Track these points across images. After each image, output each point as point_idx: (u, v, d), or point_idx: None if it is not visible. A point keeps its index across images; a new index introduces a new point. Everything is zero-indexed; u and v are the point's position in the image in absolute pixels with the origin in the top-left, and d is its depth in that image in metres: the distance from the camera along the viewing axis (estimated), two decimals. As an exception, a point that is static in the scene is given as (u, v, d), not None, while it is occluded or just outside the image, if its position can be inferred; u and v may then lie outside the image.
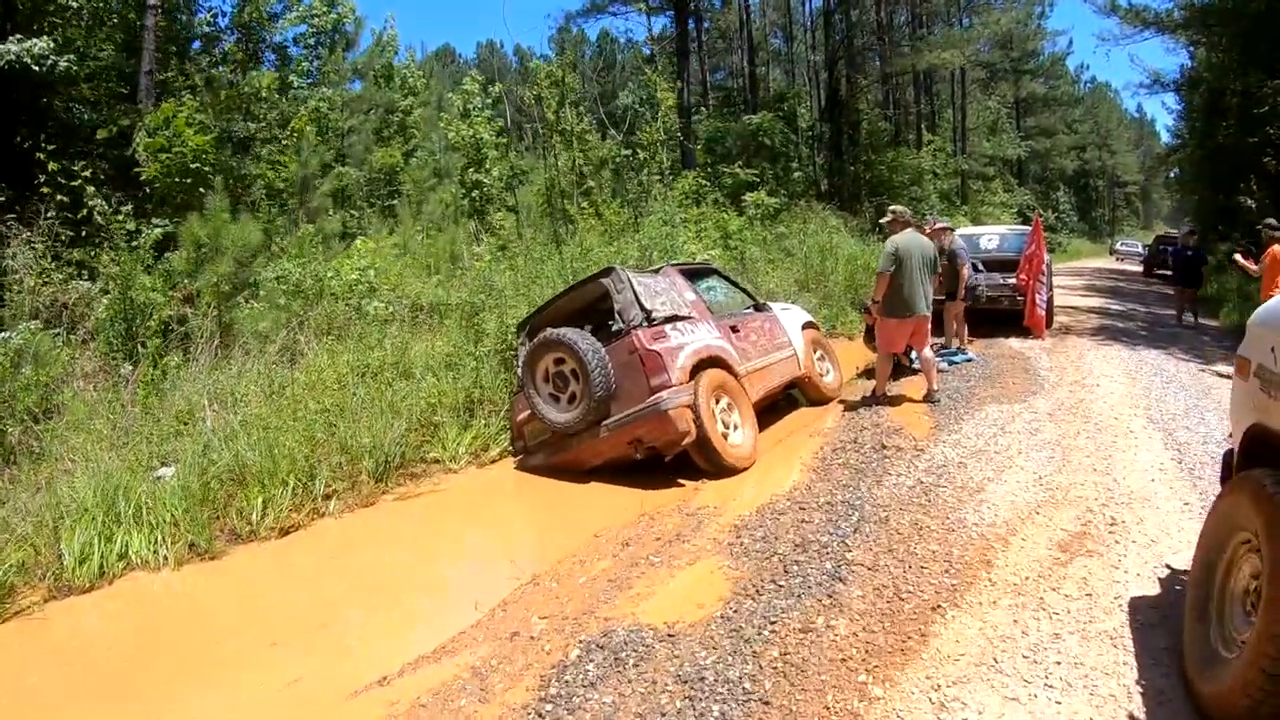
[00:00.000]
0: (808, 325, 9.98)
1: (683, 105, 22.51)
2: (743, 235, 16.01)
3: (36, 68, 10.13)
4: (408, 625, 5.30)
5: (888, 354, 9.31)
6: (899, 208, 9.53)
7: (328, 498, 7.28)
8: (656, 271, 8.44)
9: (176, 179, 9.97)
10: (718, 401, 7.58)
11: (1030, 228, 13.91)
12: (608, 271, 7.92)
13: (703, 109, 28.04)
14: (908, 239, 8.84)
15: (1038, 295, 12.90)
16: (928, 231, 11.27)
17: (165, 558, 6.18)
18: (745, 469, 7.44)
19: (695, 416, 7.14)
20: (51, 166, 9.34)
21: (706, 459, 7.28)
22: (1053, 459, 6.92)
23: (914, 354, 9.67)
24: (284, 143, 13.17)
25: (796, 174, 25.03)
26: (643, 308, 7.48)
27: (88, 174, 9.32)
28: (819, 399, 9.70)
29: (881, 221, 9.90)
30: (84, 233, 9.49)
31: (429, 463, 8.21)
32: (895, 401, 9.16)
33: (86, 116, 10.76)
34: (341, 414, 8.09)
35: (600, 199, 15.74)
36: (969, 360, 11.31)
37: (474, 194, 16.72)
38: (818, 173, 28.07)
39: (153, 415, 8.07)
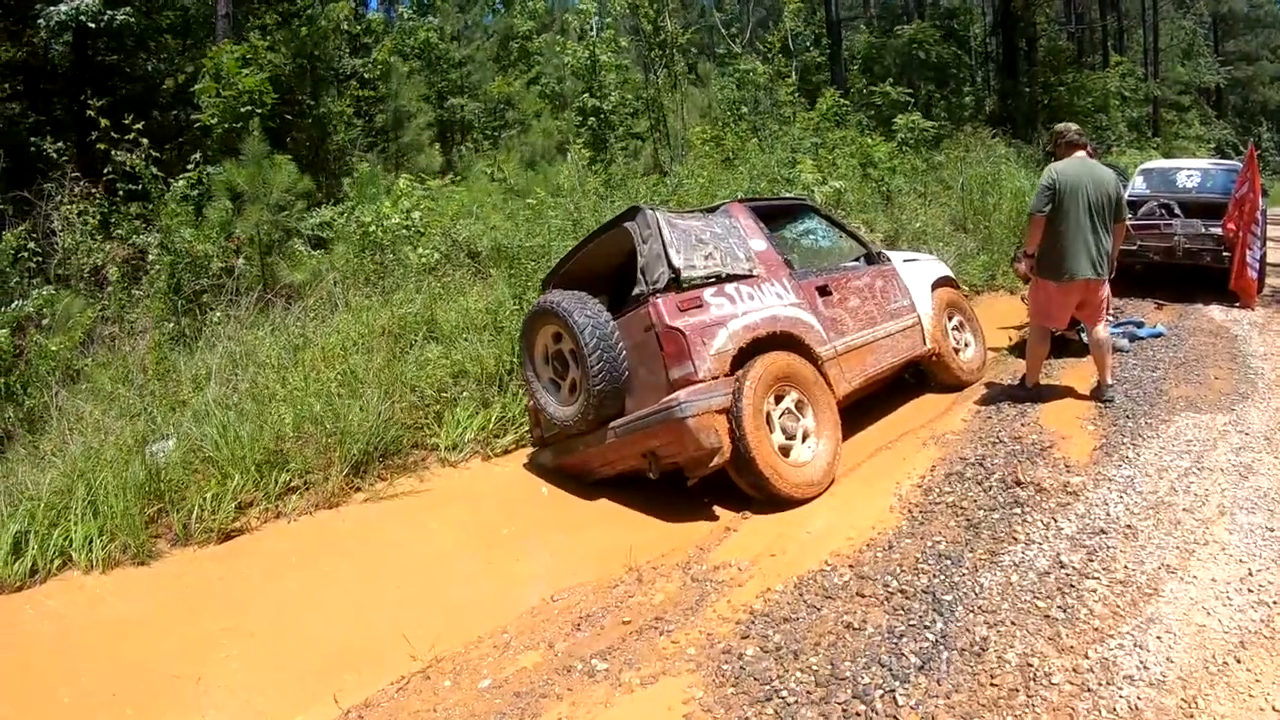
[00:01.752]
0: (942, 282, 6.85)
1: (831, 20, 18.32)
2: (891, 164, 12.30)
3: (93, 25, 8.86)
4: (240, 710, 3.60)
5: (1042, 329, 6.10)
6: (1066, 125, 6.19)
7: (291, 491, 5.37)
8: (712, 211, 5.63)
9: (227, 125, 8.33)
10: (779, 400, 4.93)
11: (1240, 163, 9.69)
12: (633, 212, 5.24)
13: (861, 26, 23.23)
14: (1075, 169, 5.66)
15: (1249, 251, 8.79)
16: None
17: (95, 559, 4.75)
18: (812, 498, 4.78)
19: (735, 426, 4.58)
20: (103, 123, 7.78)
21: (753, 484, 4.72)
22: (1275, 534, 3.86)
23: (1083, 330, 6.41)
24: (369, 76, 11.30)
25: (968, 97, 20.20)
26: (670, 264, 4.84)
27: (139, 126, 7.74)
28: (952, 383, 6.61)
29: (1049, 149, 6.58)
30: (142, 187, 7.99)
31: (428, 449, 6.00)
32: (1051, 396, 6.06)
33: (150, 67, 9.27)
34: (346, 385, 6.07)
35: (721, 122, 12.86)
36: (1157, 335, 7.76)
37: (590, 121, 13.57)
38: (990, 96, 22.43)
39: (171, 379, 6.43)
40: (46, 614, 4.42)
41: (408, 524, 5.19)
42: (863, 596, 3.71)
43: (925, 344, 6.29)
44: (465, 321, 6.86)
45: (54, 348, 6.58)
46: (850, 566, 4.00)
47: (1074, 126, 6.00)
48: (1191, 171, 10.88)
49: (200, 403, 6.01)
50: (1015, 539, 4.00)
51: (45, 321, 6.97)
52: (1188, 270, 9.58)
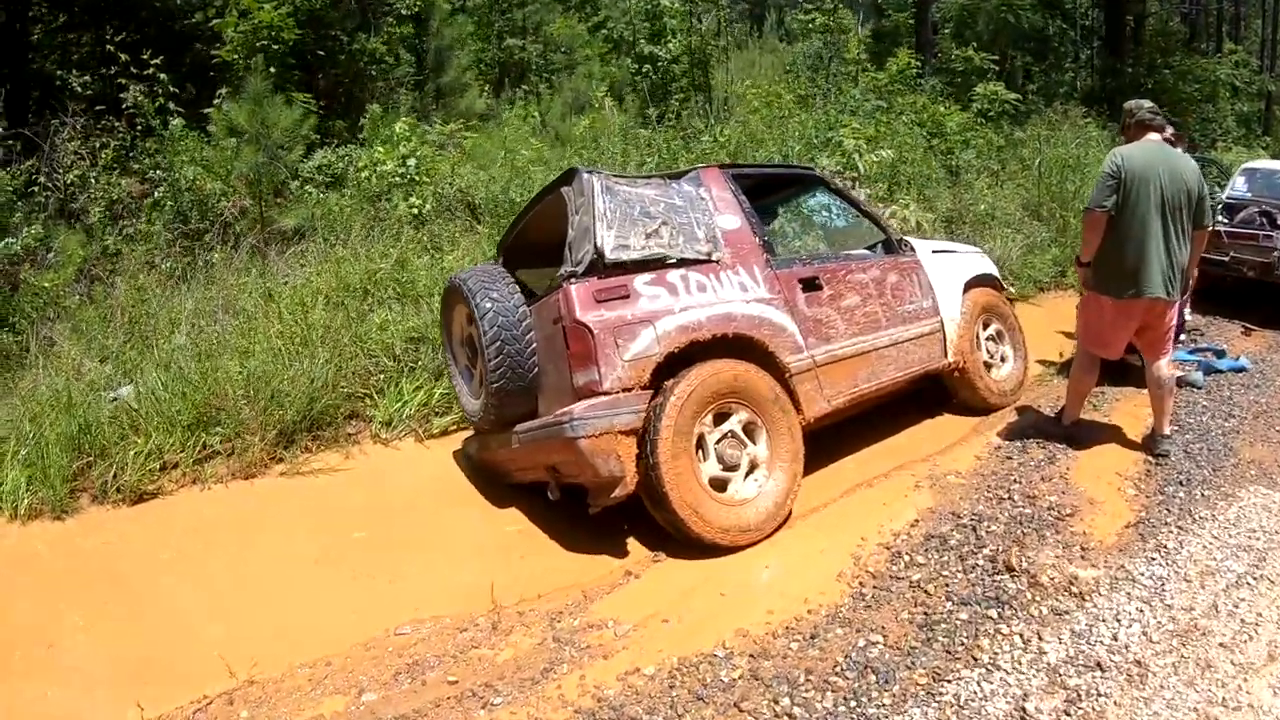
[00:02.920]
0: (979, 282, 5.23)
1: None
2: (963, 136, 10.16)
3: None
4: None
5: (1090, 356, 4.54)
6: (1138, 101, 4.50)
7: (212, 456, 4.49)
8: (678, 177, 4.21)
9: (243, 60, 7.49)
10: (720, 420, 3.67)
11: None
12: (569, 175, 4.00)
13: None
14: (1146, 155, 4.09)
15: None
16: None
17: (20, 507, 4.14)
18: (745, 546, 3.55)
19: (649, 451, 3.41)
20: (122, 57, 7.04)
21: (668, 523, 3.53)
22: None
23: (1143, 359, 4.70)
24: (407, 13, 10.15)
25: (1068, 73, 17.12)
26: (595, 244, 3.62)
27: (157, 61, 6.98)
28: (978, 405, 5.08)
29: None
30: (164, 122, 7.25)
31: (365, 420, 4.97)
32: (1091, 440, 4.49)
33: (179, 2, 8.51)
34: (302, 343, 5.14)
35: (776, 79, 11.08)
36: (1240, 370, 5.88)
37: (645, 69, 11.73)
38: (1091, 75, 18.47)
39: (148, 322, 5.74)
40: None
41: (300, 510, 4.25)
42: (740, 710, 2.56)
43: (947, 356, 4.79)
44: (439, 281, 5.78)
45: (45, 284, 6.01)
46: (751, 656, 2.83)
47: (1148, 103, 4.36)
48: None
49: (166, 349, 5.31)
50: (975, 659, 2.70)
51: (51, 256, 6.44)
52: None
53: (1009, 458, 4.35)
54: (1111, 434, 4.61)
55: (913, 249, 4.90)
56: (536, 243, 4.56)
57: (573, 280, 3.56)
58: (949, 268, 5.01)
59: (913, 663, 2.72)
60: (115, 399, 4.90)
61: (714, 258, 3.89)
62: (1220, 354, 6.21)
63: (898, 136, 8.81)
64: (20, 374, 5.35)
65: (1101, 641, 2.77)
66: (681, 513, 3.41)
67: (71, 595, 3.59)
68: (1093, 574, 3.17)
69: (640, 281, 3.63)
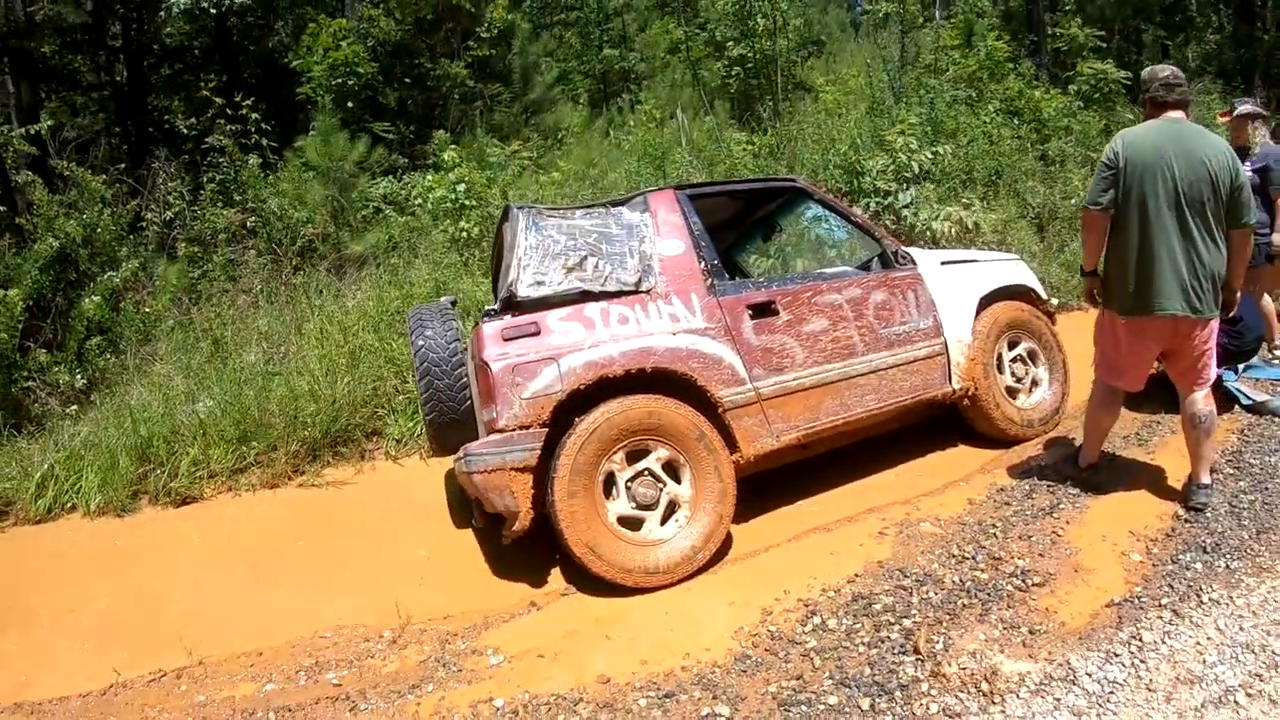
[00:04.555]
0: (1001, 295, 4.59)
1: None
2: (1062, 122, 8.90)
3: (214, 10, 8.69)
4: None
5: (1107, 388, 3.82)
6: (1155, 69, 3.64)
7: (249, 467, 4.93)
8: (622, 203, 3.99)
9: (318, 96, 7.92)
10: (635, 458, 3.47)
11: None
12: (506, 212, 3.91)
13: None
14: (1153, 139, 3.42)
15: None
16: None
17: (90, 507, 4.69)
18: (653, 588, 3.35)
19: (549, 488, 3.33)
20: (217, 101, 7.75)
21: (571, 558, 3.40)
22: None
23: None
24: (486, 36, 10.12)
25: (1209, 45, 14.16)
26: (509, 281, 3.56)
27: (249, 103, 7.63)
28: (997, 436, 4.46)
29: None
30: (244, 161, 7.83)
31: (382, 437, 5.26)
32: (1115, 485, 3.80)
33: (271, 44, 9.07)
34: (345, 364, 5.49)
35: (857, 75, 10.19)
36: None
37: (735, 72, 11.10)
38: (1223, 45, 15.13)
39: (230, 342, 6.37)
40: (45, 544, 4.44)
41: (303, 517, 4.56)
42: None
43: (951, 382, 4.23)
44: (475, 305, 5.90)
45: (147, 310, 6.71)
46: (597, 705, 2.68)
47: (1166, 71, 3.53)
48: None
49: (237, 367, 5.86)
50: None
51: (156, 283, 7.22)
52: None
53: (1006, 504, 3.77)
54: (1147, 478, 3.86)
55: (913, 261, 4.35)
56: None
57: (486, 319, 3.52)
58: (961, 281, 4.41)
59: None
60: (194, 412, 5.50)
61: (644, 288, 3.66)
62: None
63: (979, 128, 8.01)
64: (123, 390, 5.93)
65: None
66: (577, 550, 3.27)
67: (105, 577, 4.07)
68: (1021, 668, 2.59)
69: (554, 318, 3.49)
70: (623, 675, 2.82)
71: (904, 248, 4.46)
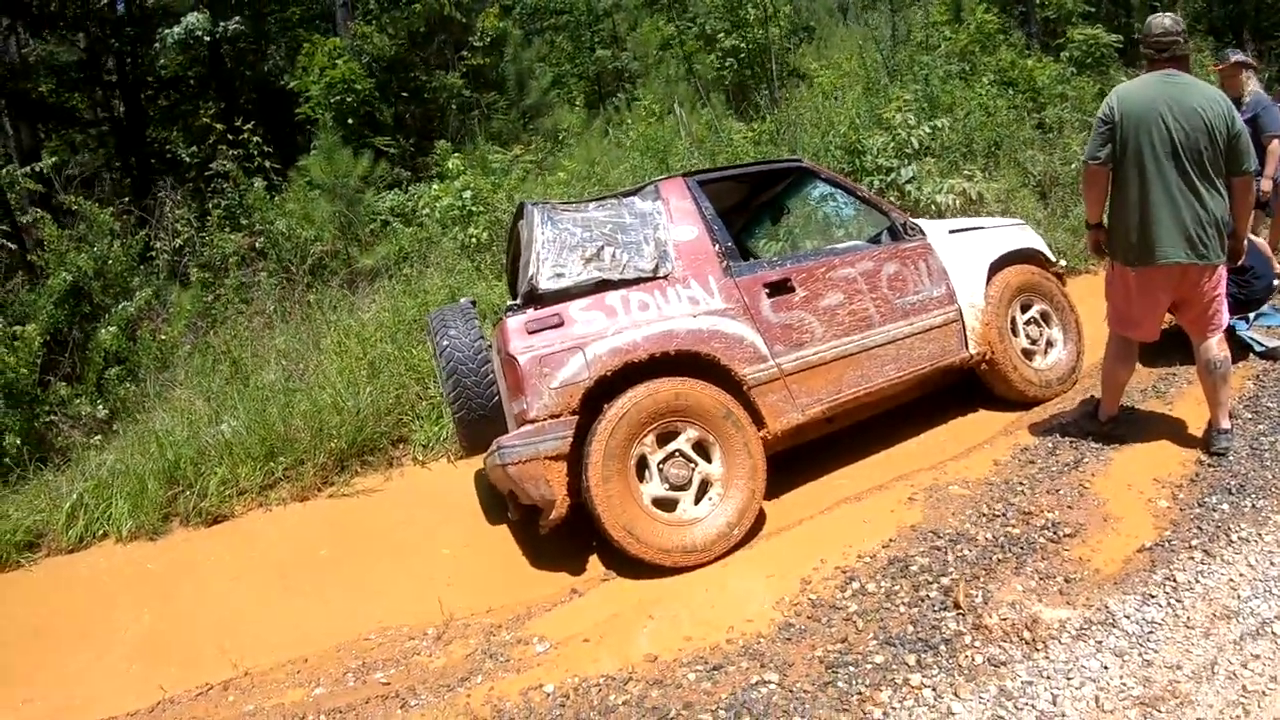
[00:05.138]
0: (1011, 259, 4.63)
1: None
2: (1058, 90, 8.94)
3: (207, 38, 8.77)
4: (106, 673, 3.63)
5: (1124, 341, 3.86)
6: (1152, 21, 3.66)
7: (277, 483, 4.98)
8: (634, 193, 4.08)
9: (318, 115, 8.00)
10: (665, 440, 3.53)
11: None
12: (520, 209, 3.99)
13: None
14: (1148, 93, 3.48)
15: None
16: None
17: (124, 532, 4.74)
18: (690, 567, 3.42)
19: (583, 475, 3.40)
20: (218, 127, 7.80)
21: (612, 543, 3.44)
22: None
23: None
24: (479, 45, 10.12)
25: (1194, 1, 14.10)
26: (530, 275, 3.64)
27: (249, 127, 7.67)
28: (1016, 398, 4.51)
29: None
30: (249, 184, 7.90)
31: (408, 443, 5.32)
32: (1136, 436, 3.86)
33: (267, 68, 9.14)
34: (367, 375, 5.56)
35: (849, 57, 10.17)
36: None
37: (729, 63, 11.08)
38: (1211, 2, 14.74)
39: (247, 363, 6.44)
40: (80, 572, 4.49)
41: (335, 527, 4.60)
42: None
43: (968, 348, 4.27)
44: (491, 309, 5.96)
45: (162, 337, 6.77)
46: (647, 683, 2.70)
47: (1164, 22, 3.56)
48: None
49: (257, 386, 5.92)
50: (865, 715, 2.40)
51: (170, 310, 7.28)
52: None
53: (1031, 463, 3.81)
54: (1167, 428, 3.92)
55: (922, 232, 4.41)
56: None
57: (510, 313, 3.59)
58: (970, 248, 4.47)
59: (794, 709, 2.45)
60: (216, 434, 5.55)
61: (661, 273, 3.74)
62: None
63: (975, 100, 8.07)
64: (143, 417, 6.00)
65: (1032, 705, 2.31)
66: (615, 534, 3.33)
67: (143, 599, 4.11)
68: (1060, 615, 2.66)
69: (576, 308, 3.57)
70: (669, 653, 2.87)
71: (912, 219, 4.53)
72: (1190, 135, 3.38)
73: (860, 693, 2.49)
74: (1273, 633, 2.49)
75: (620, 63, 12.54)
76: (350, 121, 7.78)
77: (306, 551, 4.37)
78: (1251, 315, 5.03)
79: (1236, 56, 5.38)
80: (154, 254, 7.38)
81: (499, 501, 4.45)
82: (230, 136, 7.58)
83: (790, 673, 2.64)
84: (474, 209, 6.92)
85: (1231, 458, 3.56)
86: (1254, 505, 3.19)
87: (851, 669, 2.60)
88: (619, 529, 3.33)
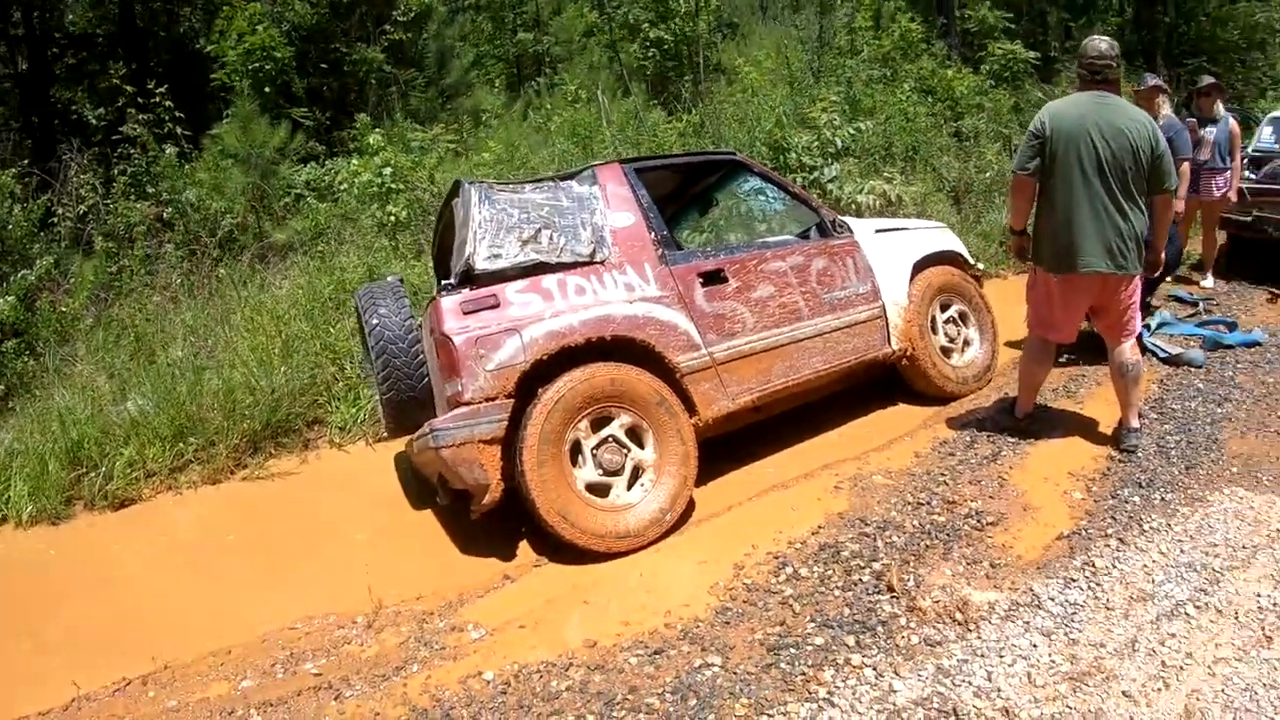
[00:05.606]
0: (934, 260, 4.73)
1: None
2: (976, 100, 9.31)
3: None
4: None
5: (1041, 342, 4.02)
6: (1084, 45, 3.81)
7: (187, 464, 4.65)
8: (570, 177, 3.99)
9: (235, 82, 7.61)
10: (598, 426, 3.46)
11: None
12: (455, 187, 3.85)
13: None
14: (1078, 110, 3.62)
15: None
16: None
17: (22, 517, 4.36)
18: (623, 552, 3.35)
19: (517, 459, 3.29)
20: (128, 89, 7.30)
21: (544, 529, 3.35)
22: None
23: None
24: (402, 19, 9.93)
25: (1109, 28, 14.96)
26: (467, 255, 3.49)
27: (162, 90, 7.21)
28: (933, 394, 4.62)
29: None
30: (160, 150, 7.46)
31: (324, 425, 5.06)
32: (1049, 433, 4.03)
33: (183, 29, 8.66)
34: (280, 353, 5.25)
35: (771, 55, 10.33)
36: (1252, 344, 5.15)
37: (652, 54, 11.05)
38: (1124, 27, 15.94)
39: (154, 339, 6.02)
40: None
41: (251, 511, 4.32)
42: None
43: (890, 344, 4.35)
44: (408, 288, 5.75)
45: (63, 309, 6.34)
46: (589, 669, 2.66)
47: (1100, 46, 3.69)
48: None
49: (164, 363, 5.55)
50: (810, 693, 2.39)
51: (71, 282, 6.82)
52: None
53: (951, 455, 3.92)
54: (1079, 426, 4.12)
55: (850, 230, 4.45)
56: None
57: (444, 293, 3.44)
58: (895, 247, 4.54)
59: (740, 690, 2.43)
60: (123, 412, 5.22)
61: (598, 258, 3.65)
62: (1232, 326, 5.49)
63: (896, 105, 8.28)
64: (42, 394, 5.58)
65: (969, 681, 2.36)
66: (549, 519, 3.24)
67: (48, 589, 3.77)
68: (989, 598, 2.74)
69: (512, 290, 3.44)
70: (608, 638, 2.81)
71: (840, 217, 4.57)
72: (1117, 154, 3.52)
73: (804, 673, 2.49)
74: (1186, 613, 2.63)
75: (541, 47, 12.32)
76: (267, 90, 7.37)
77: (221, 537, 4.08)
78: (1154, 323, 5.32)
79: (1154, 81, 5.63)
80: (56, 220, 6.82)
81: (422, 486, 4.30)
82: (140, 100, 7.06)
83: (732, 655, 2.62)
84: (393, 186, 6.65)
85: (1140, 454, 3.76)
86: (1163, 498, 3.37)
87: (793, 650, 2.60)
88: (554, 514, 3.24)
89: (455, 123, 8.61)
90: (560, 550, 3.43)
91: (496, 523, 3.67)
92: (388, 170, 6.61)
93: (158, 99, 7.05)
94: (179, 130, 7.18)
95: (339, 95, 8.33)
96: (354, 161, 6.90)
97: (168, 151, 6.96)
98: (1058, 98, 9.47)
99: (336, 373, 5.28)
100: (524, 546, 3.65)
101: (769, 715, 2.34)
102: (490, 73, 11.67)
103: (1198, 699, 2.27)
